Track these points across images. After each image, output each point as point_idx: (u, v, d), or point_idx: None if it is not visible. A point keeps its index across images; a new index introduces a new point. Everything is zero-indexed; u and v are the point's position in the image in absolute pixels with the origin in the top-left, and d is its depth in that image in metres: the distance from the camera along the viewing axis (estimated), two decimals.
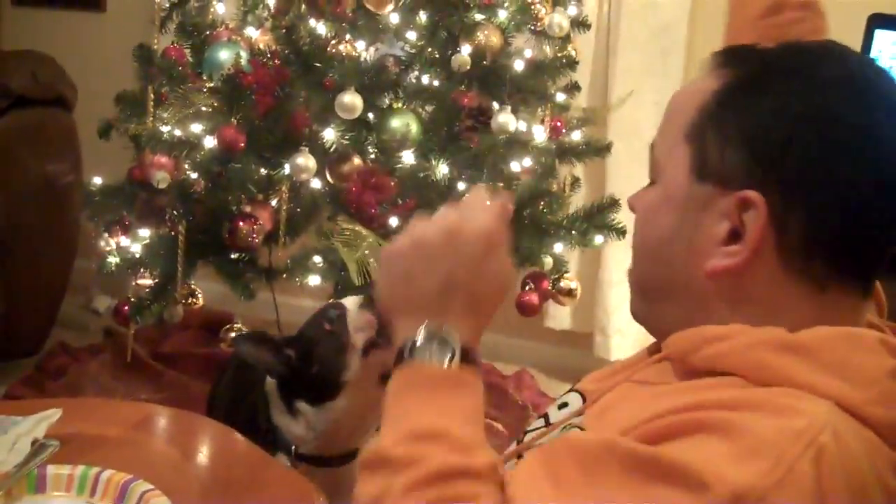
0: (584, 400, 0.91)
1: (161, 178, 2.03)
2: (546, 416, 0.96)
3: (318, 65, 2.02)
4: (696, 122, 0.81)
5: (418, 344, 0.76)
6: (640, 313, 0.90)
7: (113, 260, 2.27)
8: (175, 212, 2.13)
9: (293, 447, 1.48)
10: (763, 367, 0.72)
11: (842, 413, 0.68)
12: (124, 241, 2.27)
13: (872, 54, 1.78)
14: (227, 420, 1.37)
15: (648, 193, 0.87)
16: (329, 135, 1.99)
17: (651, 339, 0.91)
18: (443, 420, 0.72)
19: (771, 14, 1.12)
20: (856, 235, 0.76)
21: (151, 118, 2.16)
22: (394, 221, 2.07)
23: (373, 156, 2.08)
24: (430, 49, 2.14)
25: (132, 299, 2.24)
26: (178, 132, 2.05)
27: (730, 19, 1.20)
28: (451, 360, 0.75)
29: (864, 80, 0.79)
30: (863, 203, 0.75)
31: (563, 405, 0.94)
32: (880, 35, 1.78)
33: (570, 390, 0.97)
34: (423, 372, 0.75)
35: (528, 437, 0.93)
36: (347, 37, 2.04)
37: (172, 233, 2.16)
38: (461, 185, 2.10)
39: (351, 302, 1.48)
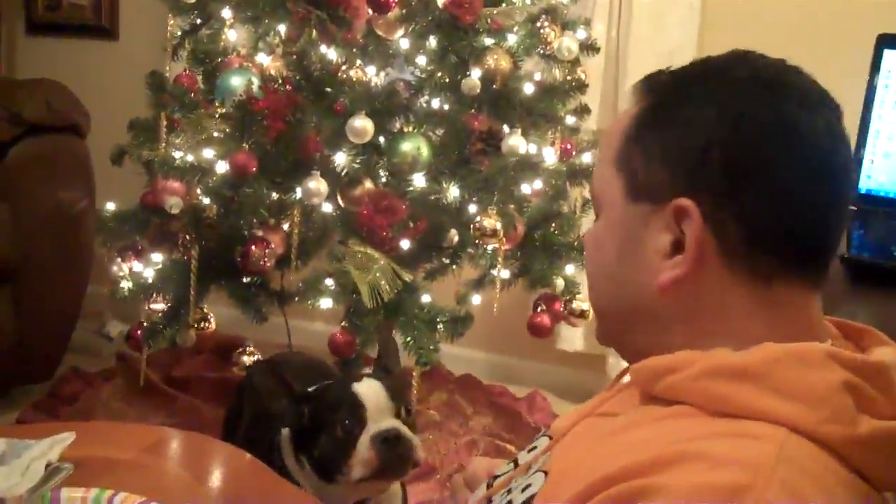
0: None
1: (174, 204, 2.05)
2: (515, 461, 0.96)
3: (328, 90, 2.03)
4: (622, 148, 0.83)
5: None
6: (606, 339, 0.91)
7: (126, 285, 2.28)
8: (187, 237, 2.14)
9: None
10: (713, 397, 0.72)
11: (797, 440, 0.67)
12: (137, 266, 2.28)
13: (881, 74, 1.78)
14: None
15: (594, 227, 0.89)
16: (340, 159, 2.00)
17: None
18: None
19: None
20: (791, 224, 0.76)
21: (164, 144, 2.18)
22: (405, 244, 2.08)
23: (384, 179, 2.09)
24: (440, 73, 2.15)
25: (145, 324, 2.25)
26: (190, 158, 2.07)
27: None
28: None
29: (772, 75, 0.79)
30: (790, 192, 0.75)
31: (533, 448, 0.95)
32: (889, 55, 1.78)
33: (541, 434, 0.98)
34: None
35: (497, 482, 0.93)
36: (358, 62, 2.05)
37: (185, 258, 2.17)
38: (472, 208, 2.11)
39: (374, 426, 1.42)
